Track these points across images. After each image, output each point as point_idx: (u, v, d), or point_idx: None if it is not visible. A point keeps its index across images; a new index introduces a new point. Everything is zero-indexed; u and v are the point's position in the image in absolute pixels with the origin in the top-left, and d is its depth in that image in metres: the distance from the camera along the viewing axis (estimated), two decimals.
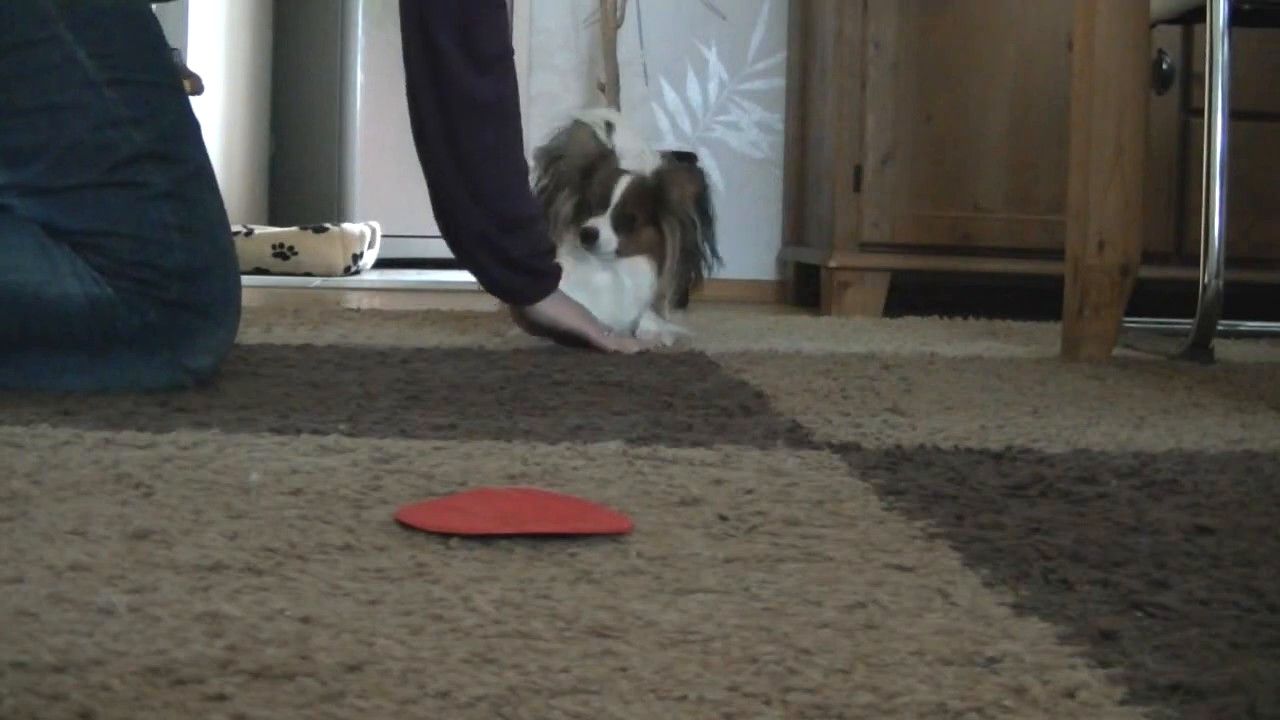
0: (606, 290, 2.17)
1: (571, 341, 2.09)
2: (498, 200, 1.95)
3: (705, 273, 2.26)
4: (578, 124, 2.24)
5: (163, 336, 1.47)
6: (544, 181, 2.21)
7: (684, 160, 2.31)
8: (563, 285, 2.05)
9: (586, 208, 2.15)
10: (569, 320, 2.06)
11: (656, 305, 2.23)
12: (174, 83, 1.56)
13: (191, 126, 1.57)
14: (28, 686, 0.59)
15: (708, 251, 2.23)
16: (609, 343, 2.06)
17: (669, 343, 2.20)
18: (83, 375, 1.46)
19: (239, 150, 4.67)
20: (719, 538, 0.91)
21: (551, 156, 2.23)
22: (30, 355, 1.43)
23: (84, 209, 1.46)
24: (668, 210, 2.16)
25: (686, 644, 0.68)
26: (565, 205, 2.16)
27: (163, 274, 1.46)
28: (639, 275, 2.17)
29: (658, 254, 2.17)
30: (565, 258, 2.10)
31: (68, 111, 1.46)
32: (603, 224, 2.12)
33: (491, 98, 1.91)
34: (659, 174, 2.17)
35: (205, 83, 4.12)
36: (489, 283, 2.02)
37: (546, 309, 2.04)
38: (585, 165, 2.17)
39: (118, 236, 1.45)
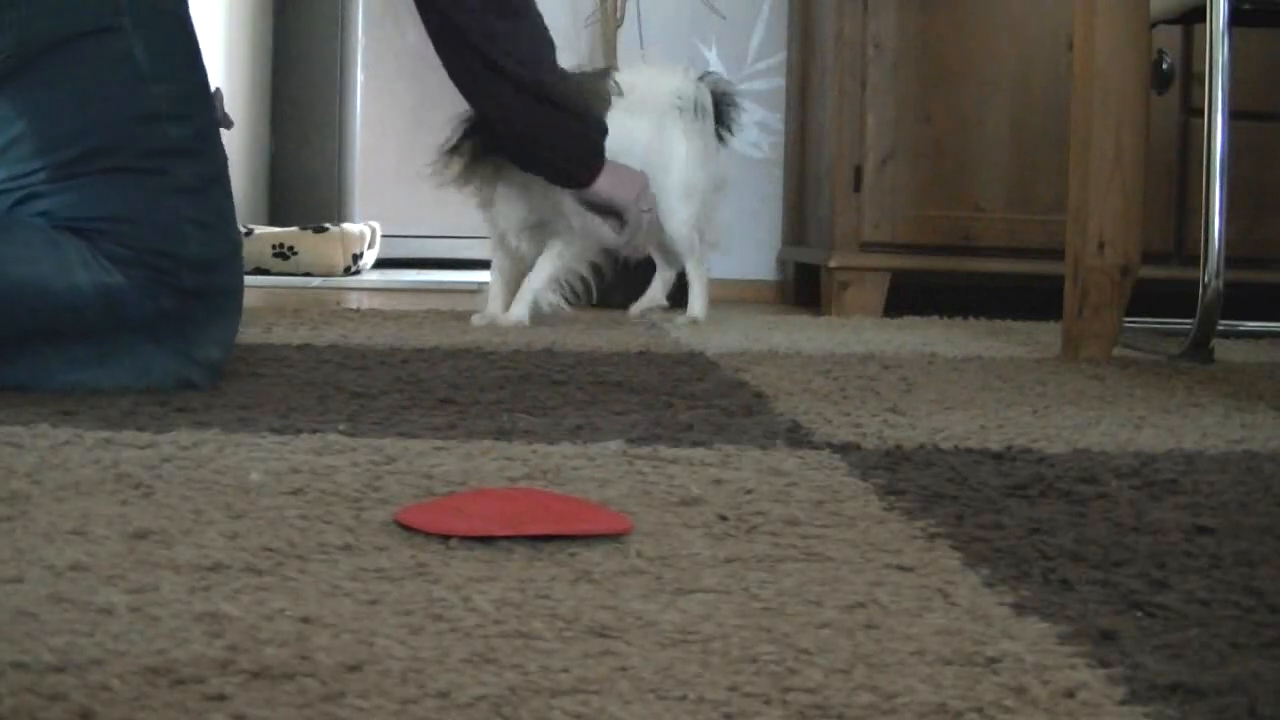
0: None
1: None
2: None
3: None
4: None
5: (173, 324, 1.50)
6: None
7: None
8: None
9: None
10: (620, 195, 2.32)
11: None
12: (208, 90, 1.62)
13: (217, 133, 1.64)
14: (28, 686, 0.59)
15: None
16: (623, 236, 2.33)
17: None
18: (91, 368, 1.46)
19: (239, 150, 4.67)
20: (719, 538, 0.91)
21: None
22: (39, 348, 1.45)
23: (109, 195, 1.49)
24: None
25: (686, 644, 0.68)
26: None
27: (179, 262, 1.50)
28: None
29: None
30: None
31: (114, 103, 1.51)
32: None
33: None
34: None
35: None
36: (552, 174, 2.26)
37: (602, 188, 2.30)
38: None
39: (139, 224, 1.49)
